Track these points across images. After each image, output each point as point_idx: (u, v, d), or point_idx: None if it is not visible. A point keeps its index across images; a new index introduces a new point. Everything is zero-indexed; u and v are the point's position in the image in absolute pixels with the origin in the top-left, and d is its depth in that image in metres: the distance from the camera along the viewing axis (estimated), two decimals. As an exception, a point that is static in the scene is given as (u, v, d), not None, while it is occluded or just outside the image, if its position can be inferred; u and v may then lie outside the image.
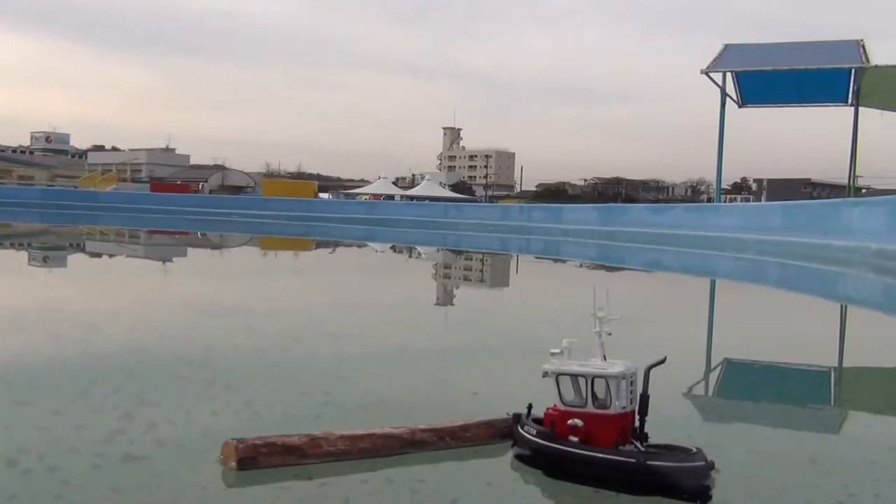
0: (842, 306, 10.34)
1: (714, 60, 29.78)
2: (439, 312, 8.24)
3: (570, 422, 2.81)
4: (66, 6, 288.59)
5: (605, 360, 2.88)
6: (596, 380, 2.81)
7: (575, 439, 2.79)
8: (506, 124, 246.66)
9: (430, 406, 3.69)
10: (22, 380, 4.02)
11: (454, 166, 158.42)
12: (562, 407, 2.87)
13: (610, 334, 2.93)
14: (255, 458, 2.70)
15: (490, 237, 29.32)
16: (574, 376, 2.86)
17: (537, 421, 2.96)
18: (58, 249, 16.81)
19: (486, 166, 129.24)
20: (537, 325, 6.95)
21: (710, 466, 2.70)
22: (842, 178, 37.01)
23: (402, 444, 2.92)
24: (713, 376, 5.05)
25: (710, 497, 2.63)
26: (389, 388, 4.11)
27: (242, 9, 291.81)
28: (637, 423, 2.83)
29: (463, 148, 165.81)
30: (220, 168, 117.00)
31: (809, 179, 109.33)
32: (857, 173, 35.57)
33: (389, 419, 3.09)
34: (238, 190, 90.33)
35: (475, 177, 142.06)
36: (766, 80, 30.67)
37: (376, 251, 21.74)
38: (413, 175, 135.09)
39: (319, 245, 23.64)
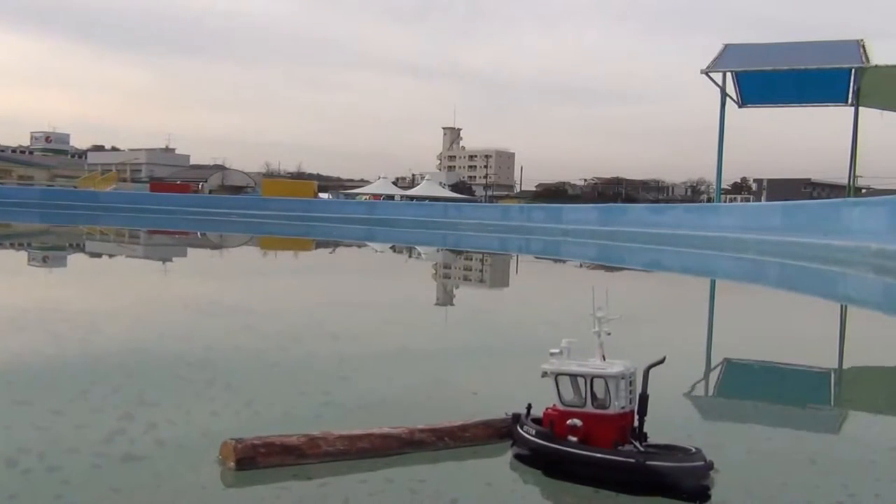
0: (842, 306, 10.33)
1: (714, 60, 29.78)
2: (439, 312, 8.24)
3: (569, 422, 2.81)
4: (66, 6, 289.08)
5: (604, 360, 2.88)
6: (595, 380, 2.81)
7: (574, 439, 2.79)
8: (506, 124, 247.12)
9: (430, 406, 3.69)
10: (22, 380, 4.02)
11: (454, 166, 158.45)
12: (561, 407, 2.87)
13: (609, 334, 2.93)
14: (253, 459, 2.69)
15: (490, 237, 29.30)
16: (573, 376, 2.86)
17: (536, 421, 2.96)
18: (58, 249, 16.80)
19: (486, 166, 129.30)
20: (537, 325, 6.94)
21: (710, 466, 2.70)
22: (842, 178, 37.04)
23: (401, 444, 2.92)
24: (713, 376, 5.05)
25: (709, 497, 2.63)
26: (389, 388, 4.11)
27: (242, 9, 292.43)
28: (636, 423, 2.83)
29: (463, 148, 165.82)
30: (219, 168, 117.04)
31: (809, 179, 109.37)
32: (857, 173, 35.61)
33: (389, 419, 3.09)
34: (238, 190, 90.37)
35: (475, 177, 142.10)
36: (766, 80, 30.67)
37: (376, 251, 21.73)
38: (413, 175, 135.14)
39: (319, 245, 23.63)
